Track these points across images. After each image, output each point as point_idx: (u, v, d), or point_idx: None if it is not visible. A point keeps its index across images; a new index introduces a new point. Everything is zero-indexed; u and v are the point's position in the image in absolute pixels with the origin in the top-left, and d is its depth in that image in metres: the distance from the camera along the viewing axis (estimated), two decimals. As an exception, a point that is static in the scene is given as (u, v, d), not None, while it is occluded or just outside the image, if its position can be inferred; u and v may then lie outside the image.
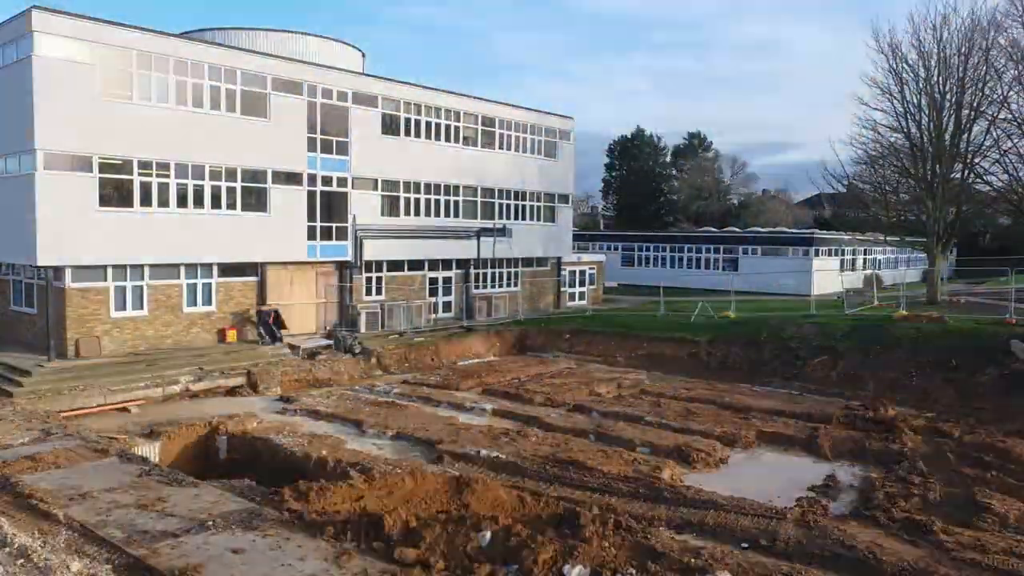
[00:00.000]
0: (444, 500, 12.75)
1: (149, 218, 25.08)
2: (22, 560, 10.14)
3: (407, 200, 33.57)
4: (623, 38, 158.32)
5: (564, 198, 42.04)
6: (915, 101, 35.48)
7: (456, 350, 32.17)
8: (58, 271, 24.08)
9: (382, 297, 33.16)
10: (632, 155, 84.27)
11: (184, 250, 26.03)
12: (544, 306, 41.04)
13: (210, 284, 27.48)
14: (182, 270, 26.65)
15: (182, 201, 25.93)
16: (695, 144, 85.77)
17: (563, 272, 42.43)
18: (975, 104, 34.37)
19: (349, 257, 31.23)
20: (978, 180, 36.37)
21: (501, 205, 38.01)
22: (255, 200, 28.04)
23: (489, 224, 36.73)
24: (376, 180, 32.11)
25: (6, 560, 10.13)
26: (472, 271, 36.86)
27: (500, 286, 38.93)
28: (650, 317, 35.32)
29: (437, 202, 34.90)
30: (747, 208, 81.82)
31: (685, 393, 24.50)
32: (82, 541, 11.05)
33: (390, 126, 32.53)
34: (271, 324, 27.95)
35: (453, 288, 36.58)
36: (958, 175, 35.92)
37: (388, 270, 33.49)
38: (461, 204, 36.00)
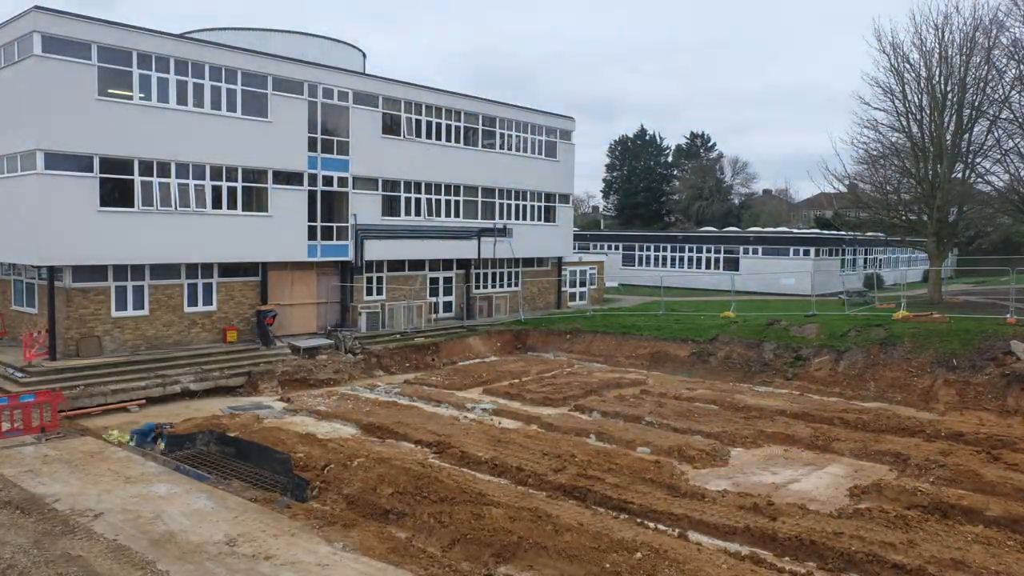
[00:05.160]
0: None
1: (150, 218, 25.07)
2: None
3: (407, 200, 33.56)
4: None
5: (564, 198, 42.01)
6: (916, 100, 35.44)
7: (457, 350, 32.17)
8: (59, 271, 24.08)
9: (383, 297, 33.15)
10: (634, 155, 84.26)
11: (185, 250, 26.02)
12: (545, 306, 41.03)
13: (211, 284, 27.47)
14: (183, 270, 26.64)
15: (183, 201, 25.92)
16: (697, 144, 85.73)
17: (564, 272, 42.41)
18: (977, 104, 34.32)
19: (350, 257, 31.22)
20: (979, 180, 36.34)
21: (501, 205, 37.99)
22: (256, 200, 28.04)
23: (490, 224, 36.71)
24: (376, 180, 32.10)
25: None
26: (473, 271, 36.86)
27: (501, 286, 38.92)
28: (651, 317, 35.31)
29: (437, 202, 34.89)
30: (748, 208, 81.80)
31: (686, 393, 24.48)
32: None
33: (390, 126, 32.52)
34: (265, 325, 27.84)
35: (454, 288, 36.58)
36: (959, 175, 35.86)
37: (388, 270, 33.49)
38: (461, 204, 35.99)
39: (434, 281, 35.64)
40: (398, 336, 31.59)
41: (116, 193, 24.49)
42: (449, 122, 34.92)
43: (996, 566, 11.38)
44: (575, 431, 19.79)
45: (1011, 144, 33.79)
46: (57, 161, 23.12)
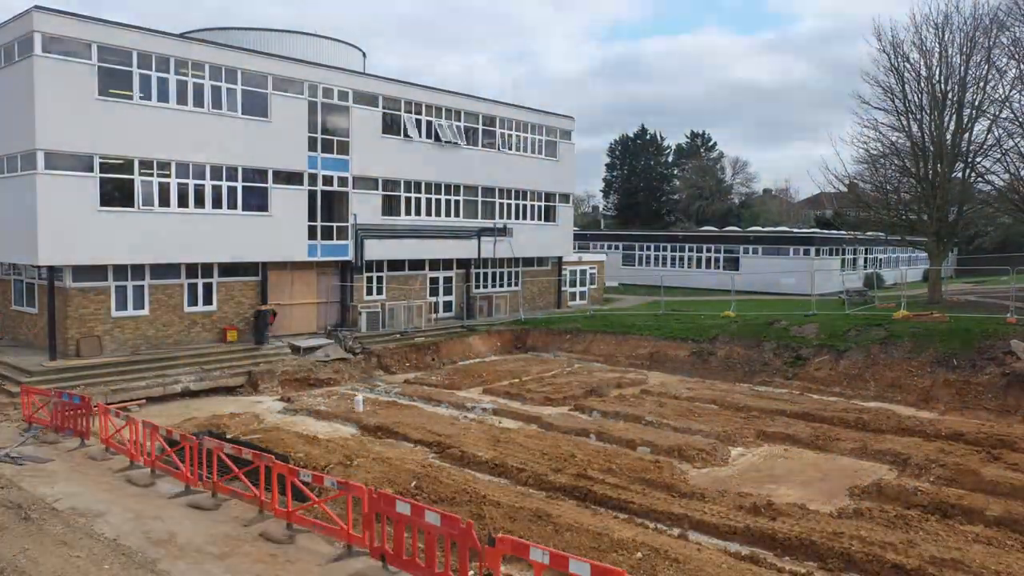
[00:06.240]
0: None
1: (150, 218, 25.08)
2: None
3: (407, 200, 33.57)
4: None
5: (564, 197, 42.02)
6: (916, 100, 35.42)
7: (457, 350, 32.15)
8: (59, 271, 24.09)
9: (383, 297, 33.16)
10: (634, 154, 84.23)
11: (185, 250, 26.03)
12: (545, 306, 41.03)
13: (211, 284, 27.48)
14: (183, 270, 26.66)
15: (183, 201, 25.93)
16: (698, 144, 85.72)
17: (564, 272, 42.42)
18: (977, 103, 34.32)
19: (350, 257, 31.23)
20: (979, 179, 36.32)
21: (501, 205, 38.01)
22: (256, 200, 28.03)
23: (490, 224, 36.72)
24: (376, 180, 32.11)
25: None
26: (473, 271, 36.87)
27: (501, 286, 38.92)
28: (651, 317, 35.31)
29: (437, 202, 34.90)
30: (748, 207, 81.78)
31: (686, 393, 24.48)
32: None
33: (390, 126, 32.52)
34: (263, 324, 27.84)
35: (454, 288, 36.58)
36: (959, 174, 35.85)
37: (389, 270, 33.50)
38: (461, 204, 36.00)
39: (434, 281, 35.64)
40: (398, 336, 31.59)
41: (116, 193, 24.51)
42: (449, 122, 34.92)
43: (996, 566, 11.39)
44: (575, 431, 19.78)
45: (1011, 143, 33.79)
46: (57, 161, 23.14)
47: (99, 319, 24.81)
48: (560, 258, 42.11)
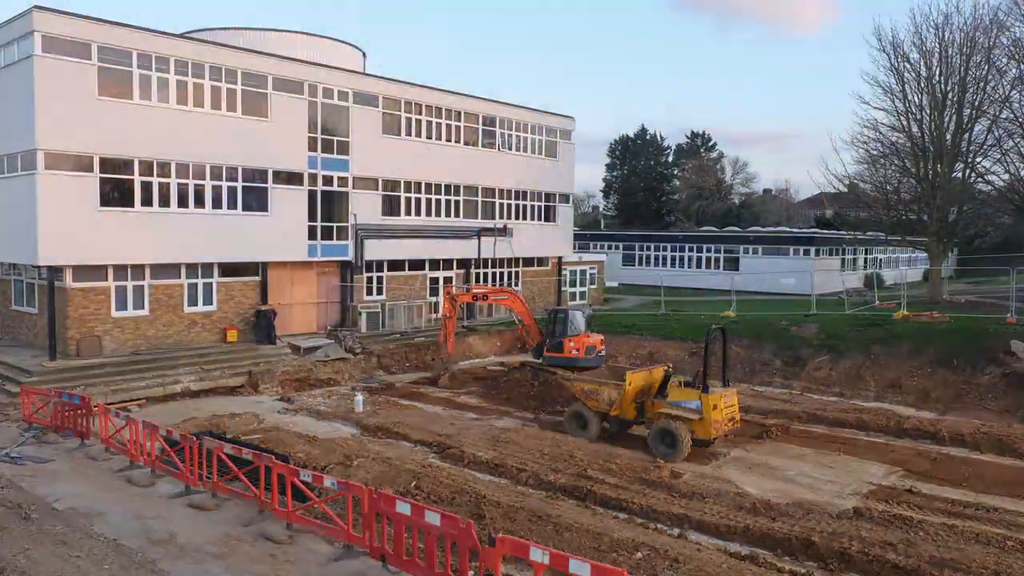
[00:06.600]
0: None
1: (150, 218, 25.07)
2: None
3: (407, 200, 33.57)
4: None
5: (564, 197, 42.02)
6: (916, 100, 35.46)
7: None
8: (59, 271, 24.08)
9: (383, 297, 33.16)
10: (634, 154, 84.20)
11: (185, 250, 26.03)
12: (545, 306, 40.96)
13: (211, 284, 27.48)
14: (183, 270, 26.65)
15: (183, 201, 25.92)
16: (697, 144, 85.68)
17: (564, 272, 42.41)
18: (977, 103, 34.33)
19: (350, 257, 31.23)
20: (979, 179, 36.34)
21: (501, 205, 38.00)
22: (256, 200, 28.03)
23: (489, 224, 36.72)
24: (376, 180, 32.10)
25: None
26: (473, 271, 36.86)
27: (501, 286, 38.89)
28: (651, 317, 35.30)
29: (437, 202, 34.89)
30: (748, 207, 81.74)
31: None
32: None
33: (390, 126, 32.52)
34: (269, 324, 27.89)
35: (454, 288, 36.54)
36: (959, 174, 35.88)
37: (389, 270, 33.50)
38: (461, 204, 35.99)
39: (434, 281, 35.64)
40: (398, 336, 31.59)
41: (116, 193, 24.50)
42: (449, 122, 34.91)
43: (996, 566, 11.39)
44: (575, 431, 19.76)
45: (1011, 143, 33.81)
46: (57, 161, 23.13)
47: (99, 319, 24.81)
48: (560, 258, 42.11)
